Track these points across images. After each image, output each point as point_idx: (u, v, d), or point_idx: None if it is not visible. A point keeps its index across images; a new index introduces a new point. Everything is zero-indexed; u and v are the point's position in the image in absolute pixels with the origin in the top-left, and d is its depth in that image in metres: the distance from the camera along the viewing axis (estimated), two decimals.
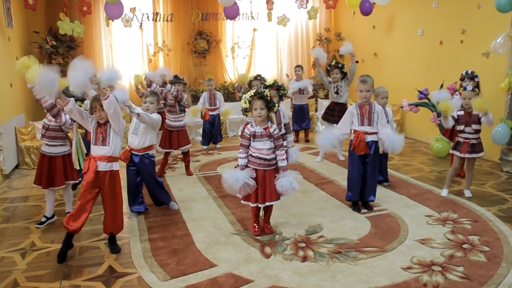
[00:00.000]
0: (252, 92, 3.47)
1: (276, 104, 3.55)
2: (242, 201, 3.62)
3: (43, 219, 4.02)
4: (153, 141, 4.16)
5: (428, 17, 7.07)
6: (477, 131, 4.33)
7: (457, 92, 5.11)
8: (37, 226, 3.96)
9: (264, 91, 3.48)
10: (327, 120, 6.15)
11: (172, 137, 5.41)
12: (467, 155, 4.36)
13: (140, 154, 4.07)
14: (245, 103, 3.48)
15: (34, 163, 6.13)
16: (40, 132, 4.09)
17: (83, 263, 3.27)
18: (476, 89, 4.45)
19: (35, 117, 7.20)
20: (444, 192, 4.56)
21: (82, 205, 3.27)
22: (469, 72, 5.08)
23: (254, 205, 3.58)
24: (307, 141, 7.65)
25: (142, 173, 4.13)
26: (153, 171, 4.21)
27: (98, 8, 8.28)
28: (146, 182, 4.20)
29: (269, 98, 3.46)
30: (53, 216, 4.08)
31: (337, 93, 5.99)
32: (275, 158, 3.53)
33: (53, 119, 3.82)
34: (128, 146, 4.11)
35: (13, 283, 3.00)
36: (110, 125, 3.30)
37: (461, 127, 4.34)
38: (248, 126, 3.54)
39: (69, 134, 4.05)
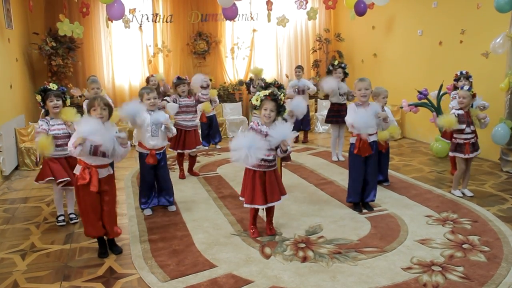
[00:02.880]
0: (267, 91, 3.43)
1: (286, 110, 3.54)
2: (245, 205, 3.56)
3: (61, 218, 4.08)
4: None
5: (427, 18, 7.07)
6: (474, 131, 4.42)
7: (454, 95, 5.12)
8: (59, 224, 4.06)
9: (279, 93, 3.46)
10: (335, 122, 6.15)
11: (188, 137, 5.32)
12: (471, 155, 4.41)
13: (162, 151, 4.24)
14: (257, 100, 3.43)
15: (34, 165, 6.13)
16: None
17: (83, 264, 3.27)
18: (472, 90, 4.49)
19: (35, 118, 7.21)
20: (458, 193, 4.58)
21: (91, 216, 3.26)
22: (464, 72, 5.12)
23: (262, 207, 3.54)
24: (304, 142, 7.65)
25: (162, 168, 4.24)
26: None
27: (97, 9, 8.29)
28: (163, 175, 4.27)
29: (282, 102, 3.44)
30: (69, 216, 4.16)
31: (341, 94, 6.12)
32: (274, 160, 3.53)
33: (61, 127, 3.85)
34: (151, 150, 4.11)
35: (13, 284, 3.00)
36: None
37: (462, 126, 4.36)
38: (256, 121, 3.50)
39: None
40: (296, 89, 7.31)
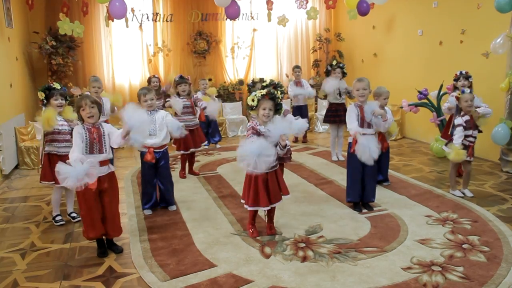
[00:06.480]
0: (264, 91, 3.40)
1: (283, 108, 3.52)
2: (249, 208, 3.54)
3: (59, 217, 4.07)
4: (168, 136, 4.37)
5: (428, 17, 7.07)
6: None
7: (453, 94, 5.12)
8: (57, 224, 4.04)
9: (276, 92, 3.43)
10: (333, 122, 6.17)
11: (193, 136, 5.30)
12: (472, 158, 4.43)
13: (161, 150, 4.22)
14: (253, 100, 3.39)
15: (34, 163, 6.14)
16: (39, 133, 4.07)
17: (83, 263, 3.27)
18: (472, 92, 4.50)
19: (35, 117, 7.19)
20: (458, 193, 4.58)
21: (93, 215, 3.24)
22: (464, 72, 5.11)
23: (266, 208, 3.51)
24: (304, 142, 7.66)
25: (162, 168, 4.24)
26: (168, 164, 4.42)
27: (97, 9, 8.28)
28: (163, 175, 4.28)
29: (279, 100, 3.43)
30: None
31: (340, 94, 6.16)
32: (275, 159, 3.51)
33: (65, 123, 3.84)
34: (149, 148, 4.06)
35: (13, 283, 3.00)
36: (103, 131, 3.25)
37: (469, 132, 4.36)
38: (253, 122, 3.46)
39: None
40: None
